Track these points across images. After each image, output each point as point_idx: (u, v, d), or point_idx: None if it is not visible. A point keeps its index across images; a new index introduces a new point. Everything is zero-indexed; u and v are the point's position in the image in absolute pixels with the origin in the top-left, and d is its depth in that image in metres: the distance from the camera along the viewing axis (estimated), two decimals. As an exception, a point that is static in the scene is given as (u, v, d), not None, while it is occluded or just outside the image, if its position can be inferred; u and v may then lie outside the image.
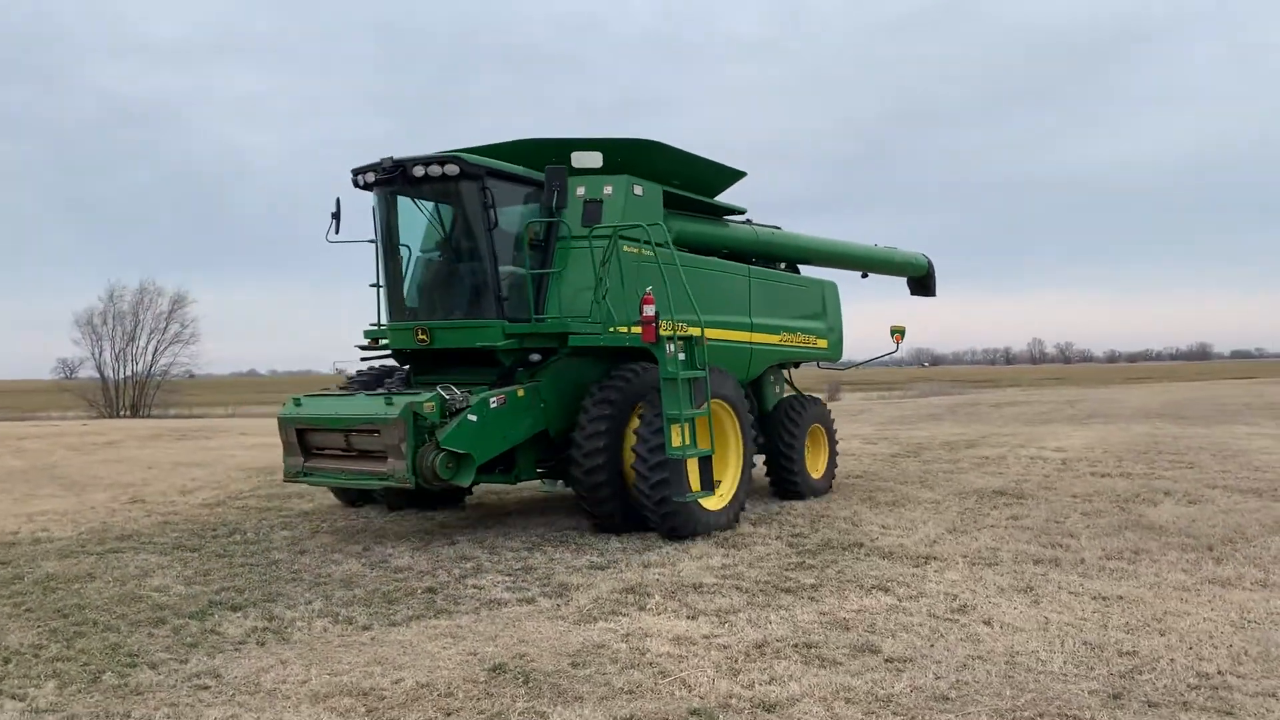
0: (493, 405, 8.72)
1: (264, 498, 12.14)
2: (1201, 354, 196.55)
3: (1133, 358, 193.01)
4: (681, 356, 8.88)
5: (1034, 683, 5.03)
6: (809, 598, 6.85)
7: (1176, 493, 11.26)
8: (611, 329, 9.37)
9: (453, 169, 8.94)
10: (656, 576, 7.50)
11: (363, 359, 10.60)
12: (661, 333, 8.77)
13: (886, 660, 5.41)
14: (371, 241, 9.87)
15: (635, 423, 9.01)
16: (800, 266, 13.37)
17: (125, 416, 49.55)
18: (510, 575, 7.67)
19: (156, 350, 57.29)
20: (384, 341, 10.03)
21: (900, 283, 15.37)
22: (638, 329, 9.05)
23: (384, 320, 9.92)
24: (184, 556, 8.57)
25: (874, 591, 6.98)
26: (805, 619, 6.28)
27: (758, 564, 7.91)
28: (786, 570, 7.68)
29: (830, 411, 12.79)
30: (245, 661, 5.63)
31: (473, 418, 8.48)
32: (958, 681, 5.06)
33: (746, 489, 9.95)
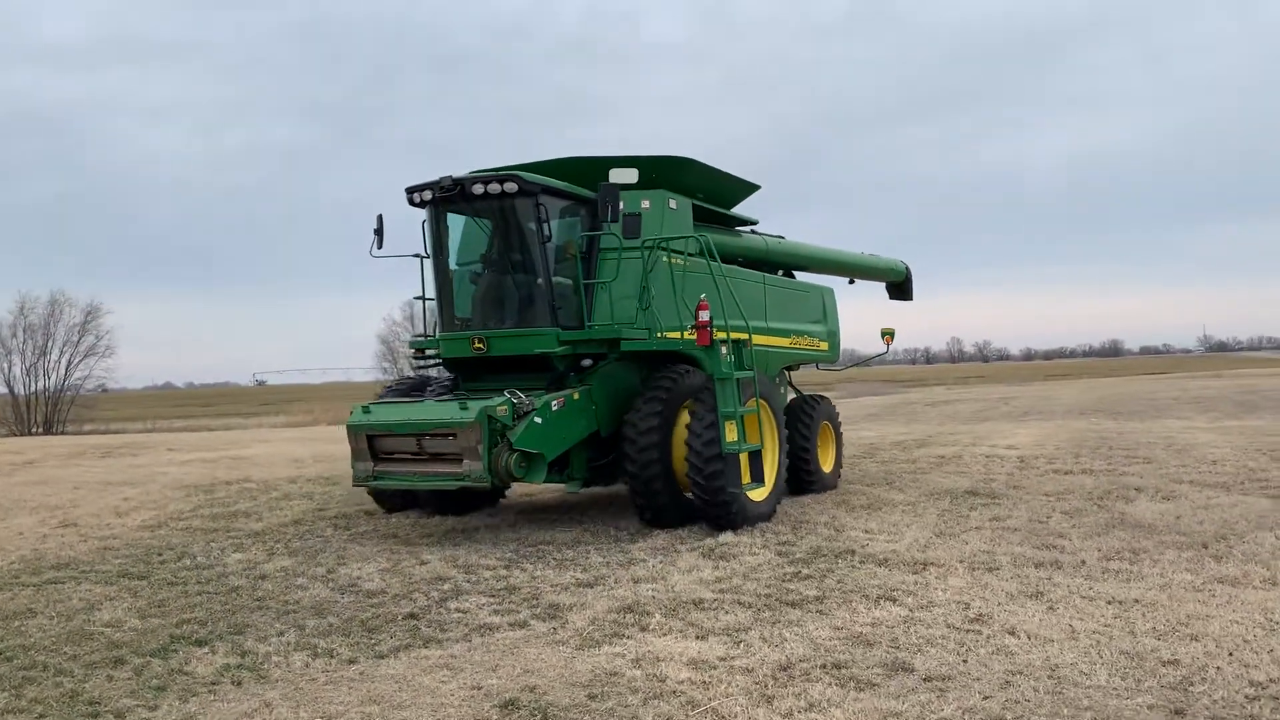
0: (554, 408, 9.17)
1: (208, 518, 11.44)
2: (1114, 351, 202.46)
3: (1048, 355, 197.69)
4: (730, 359, 9.40)
5: (1086, 699, 4.74)
6: (817, 611, 6.51)
7: (1147, 489, 11.20)
8: (658, 334, 9.91)
9: (512, 186, 9.33)
10: (650, 593, 7.10)
11: (416, 368, 11.04)
12: (715, 336, 9.37)
13: (925, 679, 5.08)
14: (417, 256, 10.26)
15: (684, 421, 9.50)
16: (795, 272, 13.69)
17: (37, 434, 47.43)
18: (494, 596, 7.20)
19: (70, 364, 54.94)
20: (431, 351, 10.52)
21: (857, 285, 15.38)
22: (690, 334, 9.77)
23: (435, 331, 10.35)
24: (132, 585, 7.92)
25: (881, 602, 6.67)
26: (821, 635, 5.93)
27: (752, 576, 7.55)
28: (784, 581, 7.34)
29: (837, 410, 13.07)
30: (224, 705, 5.09)
31: (538, 420, 8.93)
32: (1007, 701, 4.75)
33: (783, 482, 10.45)
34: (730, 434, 9.09)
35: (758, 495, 9.62)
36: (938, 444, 18.35)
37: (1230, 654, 5.34)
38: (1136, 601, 6.48)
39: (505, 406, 8.79)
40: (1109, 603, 6.48)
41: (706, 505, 9.22)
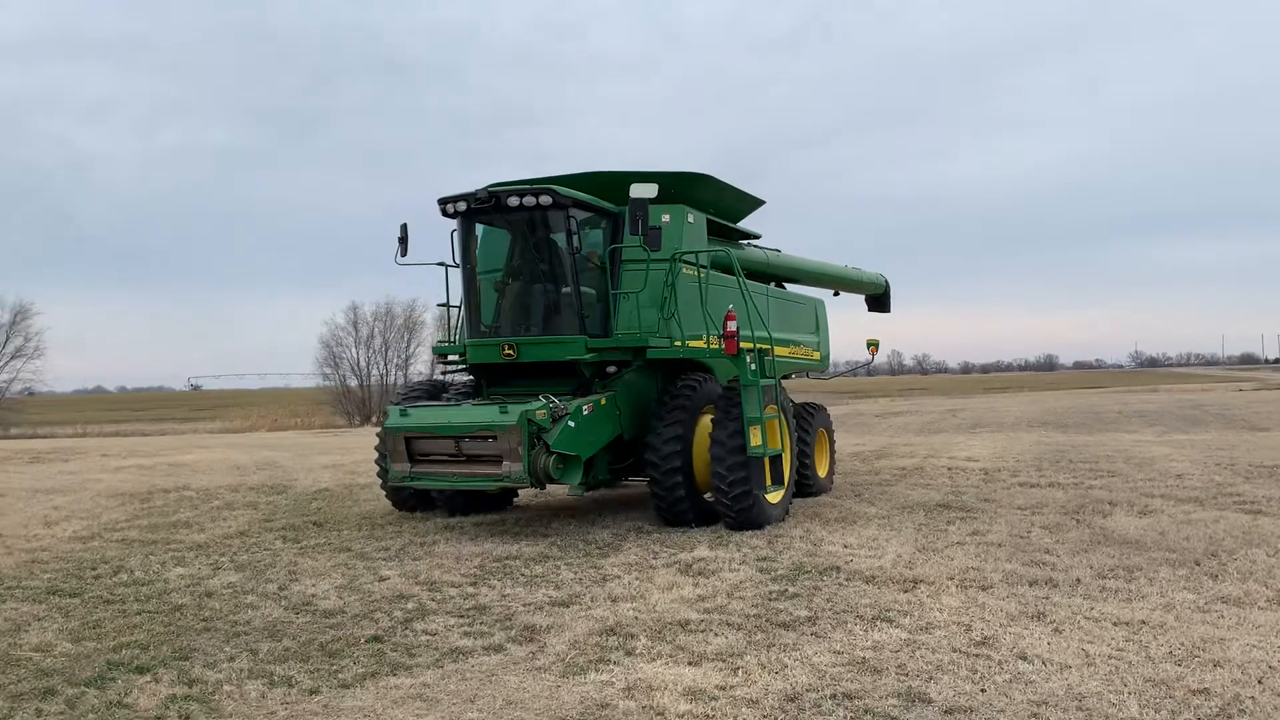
0: (585, 412, 9.43)
1: (145, 529, 10.75)
2: (1049, 365, 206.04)
3: (985, 368, 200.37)
4: (753, 367, 9.69)
5: (1123, 733, 4.39)
6: (812, 633, 6.11)
7: (1121, 503, 11.00)
8: (677, 342, 10.23)
9: (546, 199, 9.59)
10: (631, 613, 6.65)
11: (444, 373, 11.54)
12: (742, 346, 9.81)
13: (946, 711, 4.69)
14: (440, 264, 10.66)
15: (704, 426, 9.95)
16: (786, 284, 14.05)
17: (-41, 438, 45.54)
18: (463, 617, 6.70)
19: (-2, 366, 52.86)
20: (453, 356, 10.94)
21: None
22: (715, 342, 10.27)
23: (461, 337, 10.71)
24: (64, 604, 7.28)
25: (878, 623, 6.29)
26: (823, 661, 5.53)
27: (736, 594, 7.13)
28: (771, 600, 6.93)
29: (830, 418, 13.51)
30: (171, 744, 4.55)
31: (571, 423, 9.17)
32: (1040, 736, 4.38)
33: (793, 486, 10.75)
34: (755, 438, 9.48)
35: (774, 498, 9.97)
36: (896, 455, 18.16)
37: (1259, 681, 5.04)
38: (1143, 623, 6.17)
39: (544, 410, 9.05)
40: (1115, 624, 6.16)
41: (729, 506, 9.56)
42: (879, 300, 16.18)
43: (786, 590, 7.22)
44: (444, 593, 7.39)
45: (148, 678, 5.47)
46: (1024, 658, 5.51)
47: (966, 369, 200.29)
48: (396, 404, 10.40)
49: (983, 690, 4.98)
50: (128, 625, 6.62)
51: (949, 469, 15.26)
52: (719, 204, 11.68)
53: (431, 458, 9.53)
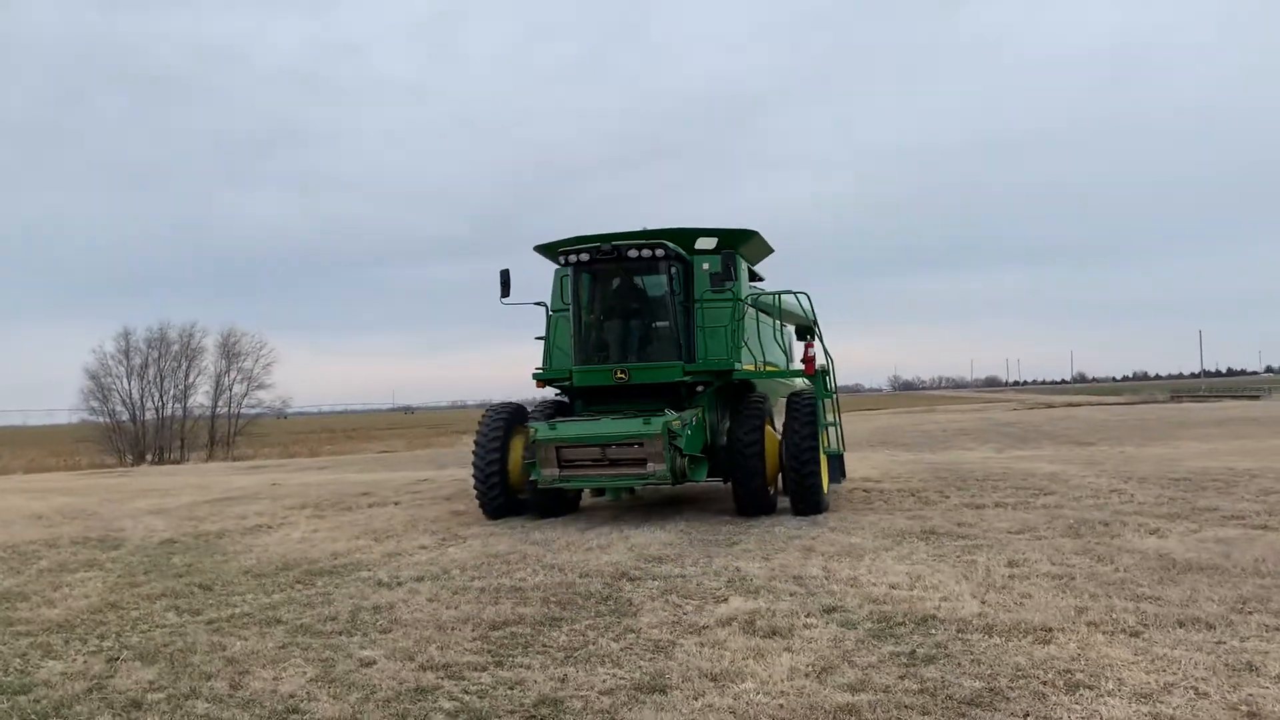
0: (694, 423, 11.34)
1: (-36, 604, 8.07)
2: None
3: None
4: (822, 384, 12.69)
5: None
6: (1023, 714, 4.68)
7: (1112, 523, 10.23)
8: (750, 366, 12.47)
9: (661, 252, 11.59)
10: (763, 700, 5.00)
11: (557, 394, 13.13)
12: (818, 368, 12.88)
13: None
14: (539, 304, 13.04)
15: (769, 434, 11.80)
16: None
17: None
18: (537, 718, 4.85)
19: None
20: (550, 378, 12.66)
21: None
22: (789, 366, 13.85)
23: (552, 363, 12.72)
24: (-93, 735, 4.90)
25: (1080, 691, 4.95)
26: (1103, 757, 4.11)
27: (857, 662, 5.60)
28: (911, 667, 5.45)
29: None
30: None
31: (689, 431, 11.06)
32: None
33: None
34: (826, 440, 11.76)
35: (826, 488, 12.00)
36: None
37: None
38: (1383, 672, 5.12)
39: (678, 421, 10.82)
40: (1355, 677, 5.08)
41: (800, 496, 11.47)
42: (810, 330, 18.19)
43: (913, 652, 5.75)
44: (471, 679, 5.48)
45: None
46: (1337, 734, 4.29)
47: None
48: (486, 418, 12.27)
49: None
50: (35, 767, 4.38)
51: (867, 490, 14.31)
52: (751, 252, 13.61)
53: (577, 463, 11.01)
